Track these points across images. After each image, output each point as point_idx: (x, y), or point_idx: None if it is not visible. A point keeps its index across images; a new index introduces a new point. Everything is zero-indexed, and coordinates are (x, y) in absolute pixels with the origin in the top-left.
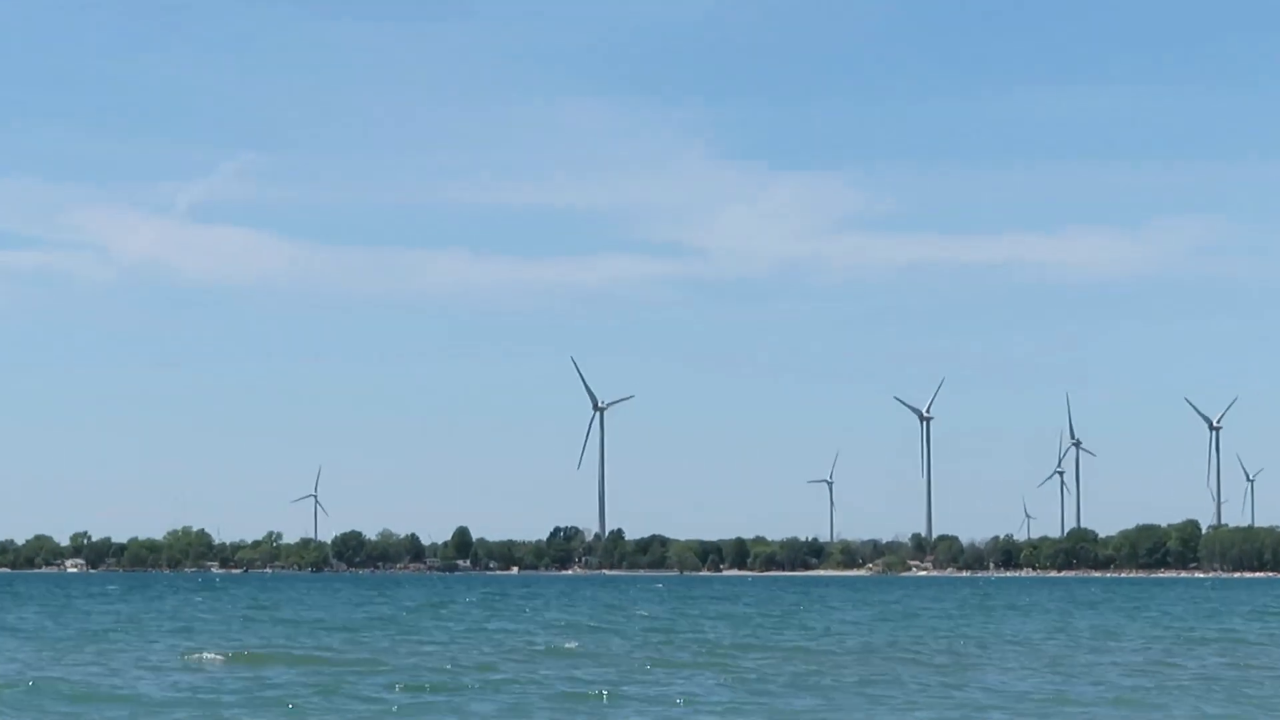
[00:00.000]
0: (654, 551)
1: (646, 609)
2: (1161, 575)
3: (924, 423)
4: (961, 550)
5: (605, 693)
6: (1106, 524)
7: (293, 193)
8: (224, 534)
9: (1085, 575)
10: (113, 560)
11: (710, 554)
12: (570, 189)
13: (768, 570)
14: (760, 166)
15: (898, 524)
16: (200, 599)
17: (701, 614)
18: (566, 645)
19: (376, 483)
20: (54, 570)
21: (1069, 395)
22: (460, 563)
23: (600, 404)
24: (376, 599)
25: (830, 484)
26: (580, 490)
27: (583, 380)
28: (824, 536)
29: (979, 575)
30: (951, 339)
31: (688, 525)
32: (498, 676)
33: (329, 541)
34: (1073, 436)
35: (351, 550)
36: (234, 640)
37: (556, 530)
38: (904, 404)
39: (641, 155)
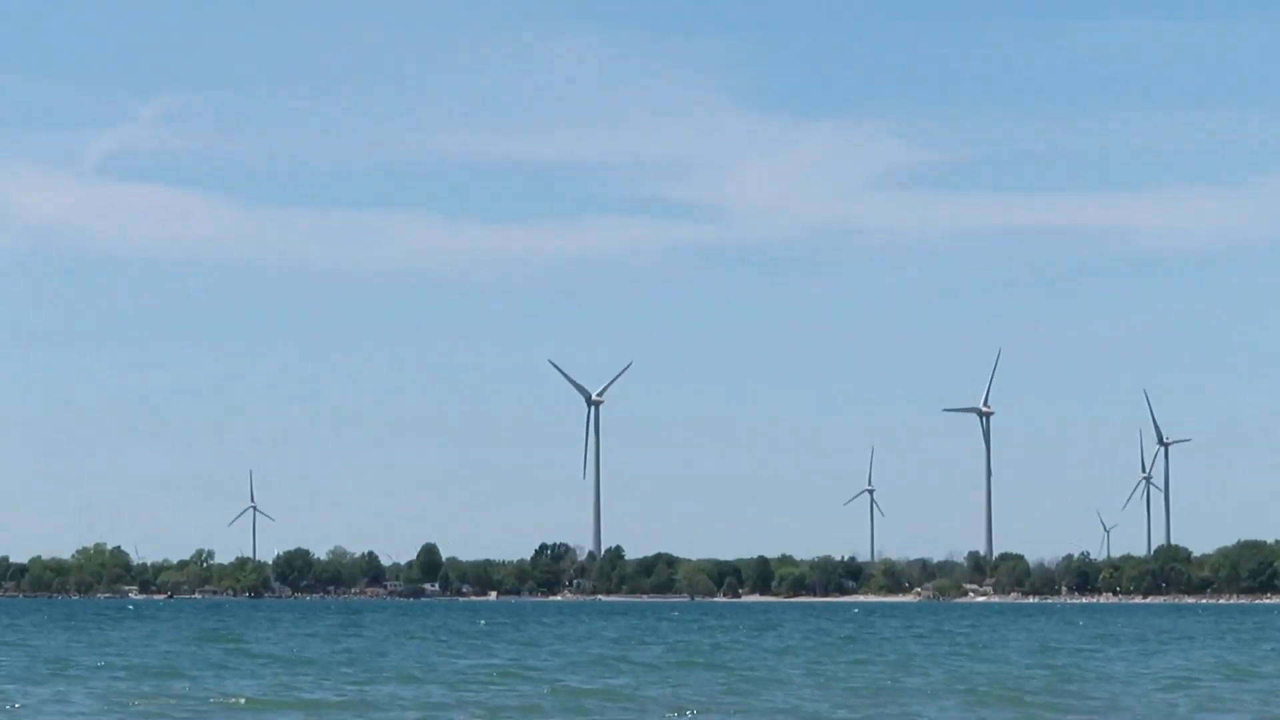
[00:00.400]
0: (659, 573)
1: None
2: (1269, 601)
3: (982, 419)
4: (1028, 572)
5: None
6: (1202, 540)
7: (225, 144)
8: (144, 553)
9: (1177, 601)
10: (10, 584)
11: (727, 576)
12: (562, 140)
13: (795, 595)
14: (787, 113)
15: (951, 540)
16: (138, 628)
17: (779, 644)
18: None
19: (327, 491)
20: None
21: (1156, 387)
22: (427, 586)
23: (594, 396)
24: (340, 631)
25: (871, 493)
26: (571, 501)
27: (568, 379)
28: (863, 555)
29: (1049, 601)
30: (1014, 319)
31: (699, 543)
32: None
33: (270, 561)
34: (1160, 436)
35: (297, 572)
36: (236, 683)
37: (543, 548)
38: (956, 410)
39: (647, 100)
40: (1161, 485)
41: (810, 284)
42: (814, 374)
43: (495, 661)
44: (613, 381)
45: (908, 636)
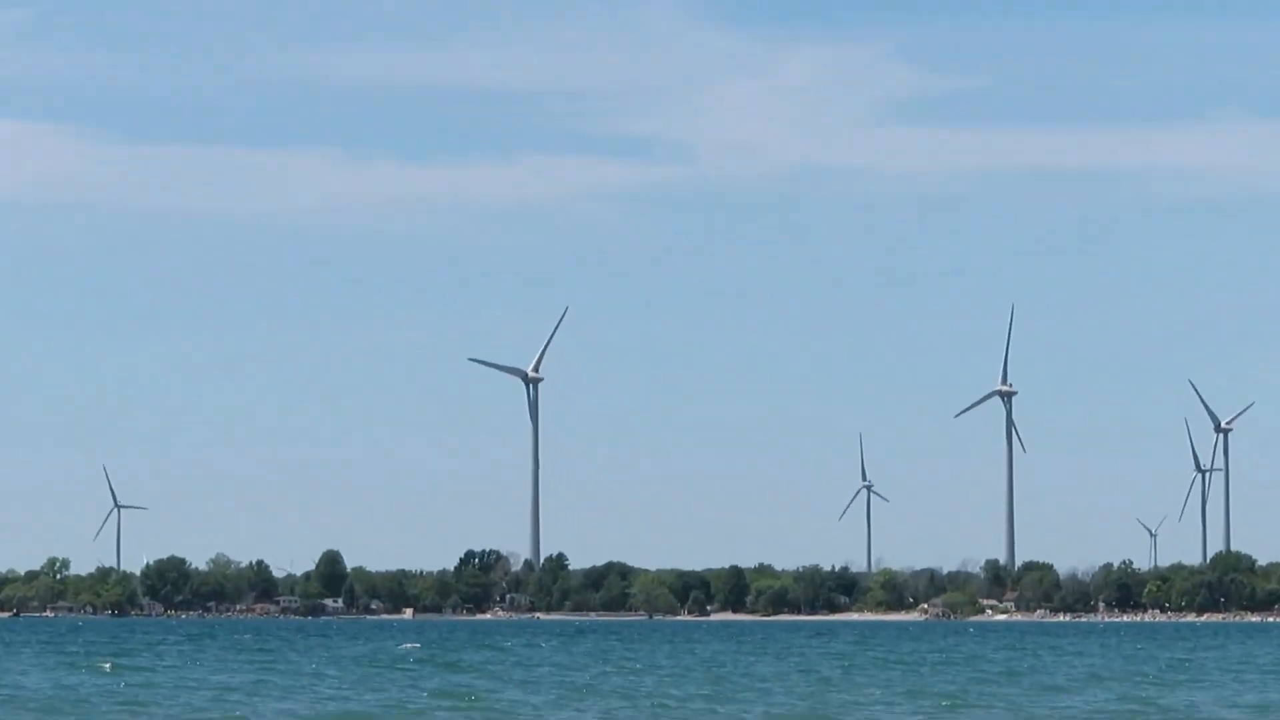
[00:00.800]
0: (611, 586)
1: None
2: None
3: (1003, 402)
4: (1057, 584)
5: None
6: (1267, 547)
7: (88, 69)
8: None
9: (1238, 619)
10: None
11: (693, 590)
12: (490, 62)
13: (776, 613)
14: (766, 32)
15: (964, 548)
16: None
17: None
18: None
19: (206, 489)
20: None
21: (1210, 362)
22: (329, 602)
23: (530, 371)
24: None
25: (868, 488)
26: (504, 499)
27: (496, 368)
28: (858, 565)
29: (1083, 619)
30: (1037, 280)
31: (659, 551)
32: None
33: (137, 573)
34: (1216, 420)
35: (170, 585)
36: None
37: (469, 557)
38: (971, 406)
39: (595, 14)
40: (1220, 480)
41: (794, 238)
42: (799, 346)
43: None
44: (548, 343)
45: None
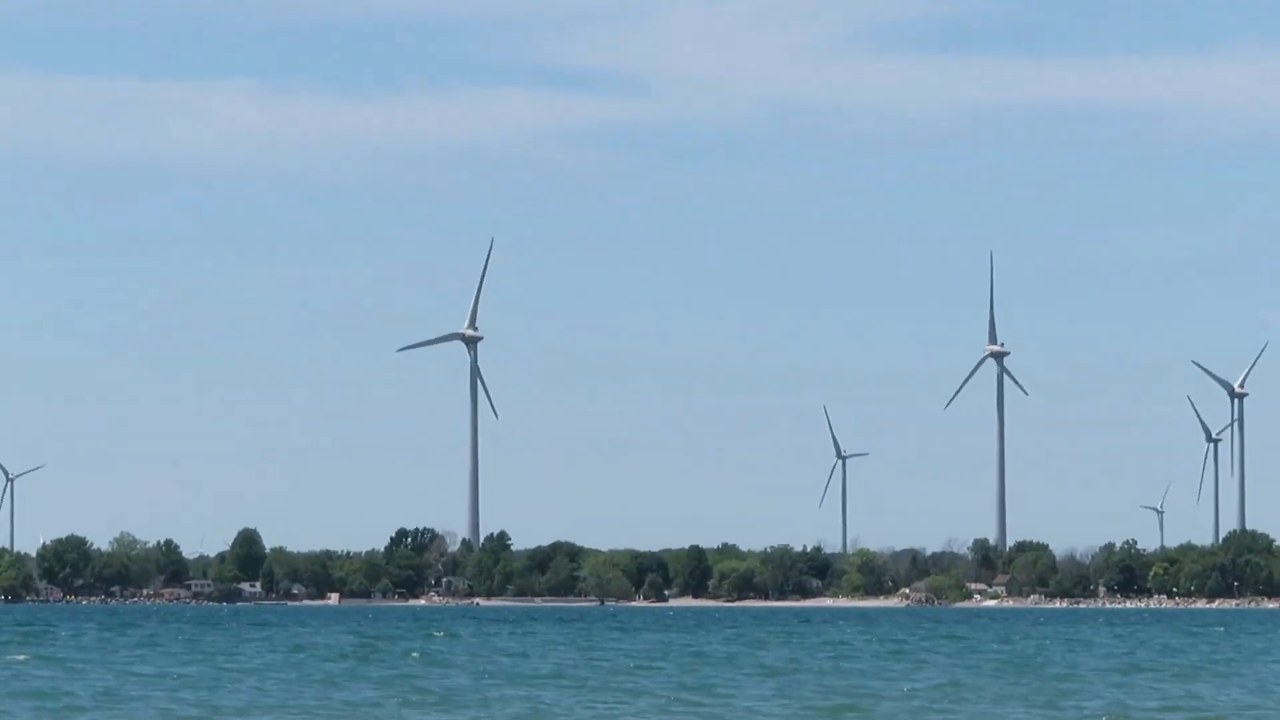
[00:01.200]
0: (558, 569)
1: None
2: None
3: (995, 363)
4: (1053, 567)
5: None
6: None
7: None
8: None
9: (1254, 605)
10: None
11: (649, 573)
12: None
13: (742, 599)
14: None
15: (950, 526)
16: None
17: None
18: None
19: (110, 462)
20: None
21: (1219, 318)
22: (245, 586)
23: (466, 330)
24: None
25: (843, 460)
26: (439, 473)
27: (429, 344)
28: (832, 545)
29: (1082, 605)
30: (1031, 227)
31: (611, 529)
32: None
33: (34, 554)
34: (1233, 387)
35: (70, 568)
36: None
37: (401, 536)
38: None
39: None
40: (1235, 452)
41: (763, 180)
42: (765, 302)
43: None
44: (479, 290)
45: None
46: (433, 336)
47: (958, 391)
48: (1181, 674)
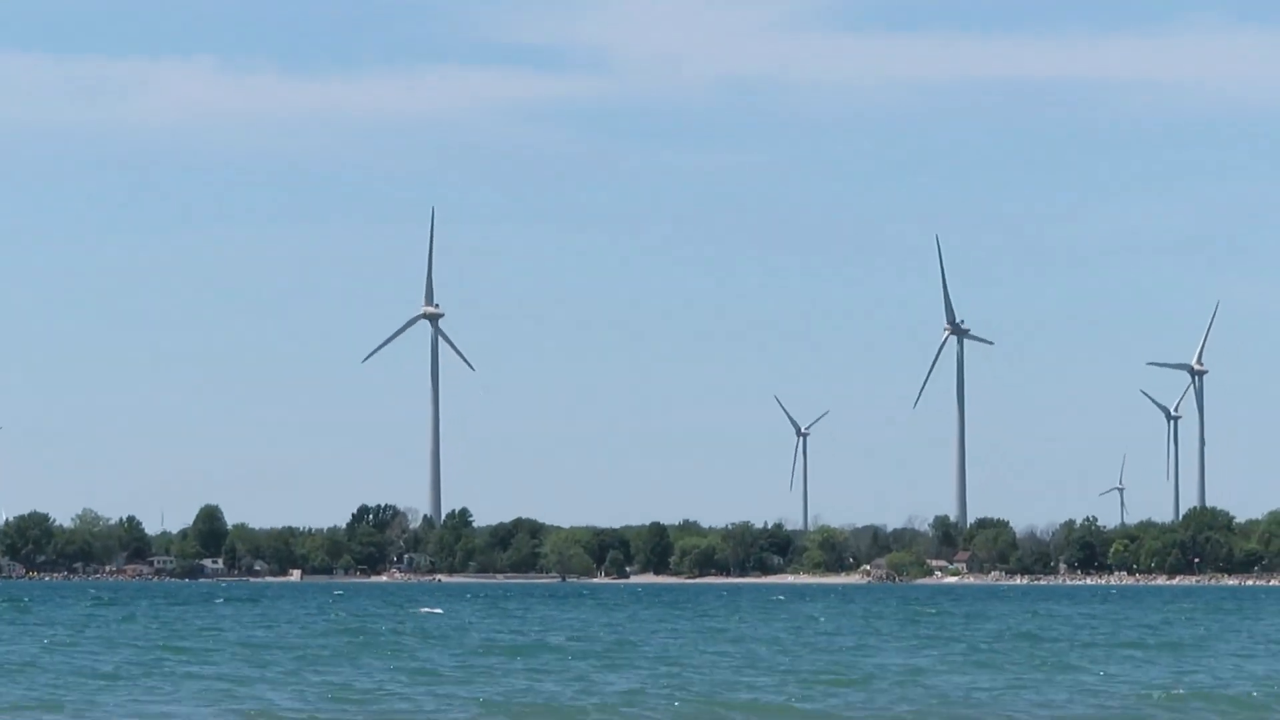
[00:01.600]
0: (520, 545)
1: None
2: None
3: (954, 339)
4: (1014, 544)
5: None
6: (1247, 502)
7: None
8: None
9: (1214, 581)
10: None
11: (610, 549)
12: None
13: (703, 575)
14: None
15: (911, 504)
16: None
17: None
18: None
19: (72, 438)
20: None
21: (1177, 293)
22: (208, 563)
23: (426, 308)
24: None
25: (803, 436)
26: (401, 450)
27: (392, 340)
28: (793, 522)
29: (1042, 582)
30: (988, 200)
31: (572, 507)
32: None
33: None
34: (1195, 363)
35: (32, 544)
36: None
37: (362, 512)
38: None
39: None
40: (1194, 428)
41: (721, 157)
42: (725, 278)
43: None
44: (430, 262)
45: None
46: (392, 331)
47: (924, 385)
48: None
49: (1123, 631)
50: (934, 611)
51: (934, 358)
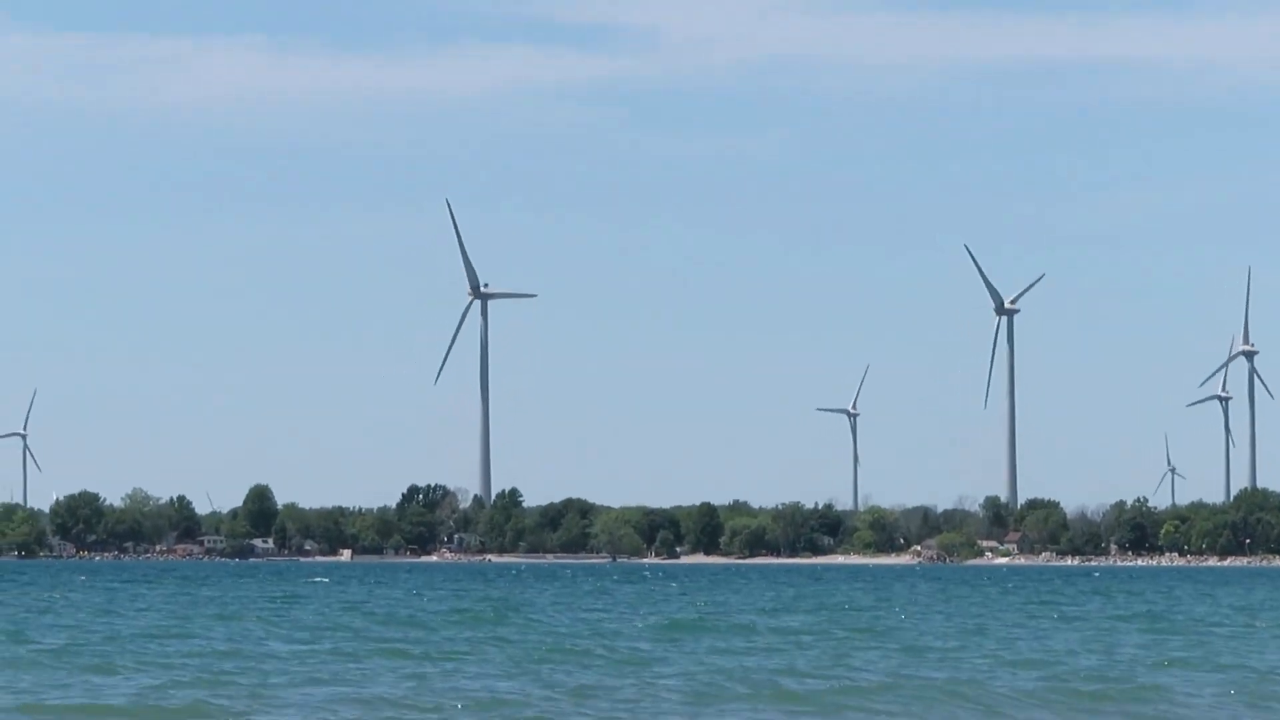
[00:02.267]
0: (570, 525)
1: None
2: None
3: (1003, 319)
4: (1064, 525)
5: None
6: None
7: None
8: None
9: (1266, 563)
10: None
11: (660, 529)
12: None
13: (753, 555)
14: None
15: (961, 484)
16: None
17: None
18: None
19: (122, 418)
20: None
21: (1245, 273)
22: (258, 543)
23: (481, 286)
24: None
25: (853, 416)
26: (451, 429)
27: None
28: (843, 502)
29: (1093, 562)
30: (1044, 184)
31: (622, 486)
32: None
33: (46, 510)
34: (1244, 341)
35: (83, 524)
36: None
37: (412, 492)
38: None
39: None
40: (1244, 406)
41: (766, 138)
42: (775, 258)
43: None
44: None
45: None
46: (444, 322)
47: (990, 377)
48: None
49: None
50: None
51: (992, 342)
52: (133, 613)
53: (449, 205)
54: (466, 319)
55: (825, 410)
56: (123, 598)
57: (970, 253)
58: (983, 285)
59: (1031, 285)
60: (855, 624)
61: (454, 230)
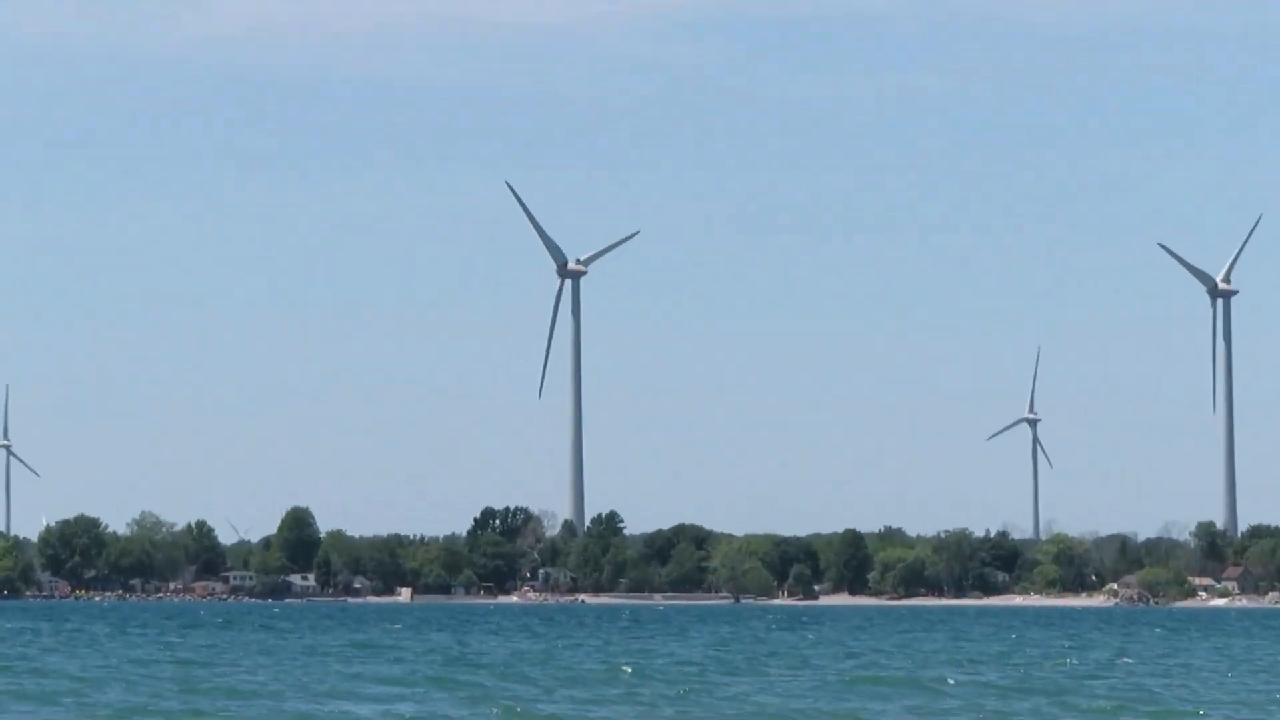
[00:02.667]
0: (683, 558)
1: None
2: None
3: (1217, 302)
4: None
5: None
6: None
7: None
8: None
9: None
10: None
11: (794, 563)
12: None
13: (910, 595)
14: None
15: (1167, 507)
16: None
17: None
18: None
19: (126, 426)
20: None
21: None
22: (296, 579)
23: (572, 262)
24: None
25: (1033, 424)
26: (535, 441)
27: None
28: (1021, 530)
29: None
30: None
31: (745, 510)
32: None
33: (35, 539)
34: None
35: (79, 556)
36: None
37: (487, 517)
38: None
39: None
40: None
41: (917, 76)
42: (922, 227)
43: None
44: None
45: None
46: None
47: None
48: None
49: None
50: None
51: (1210, 327)
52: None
53: (511, 188)
54: (560, 306)
55: (997, 434)
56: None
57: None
58: (1185, 269)
59: (1244, 245)
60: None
61: (523, 211)
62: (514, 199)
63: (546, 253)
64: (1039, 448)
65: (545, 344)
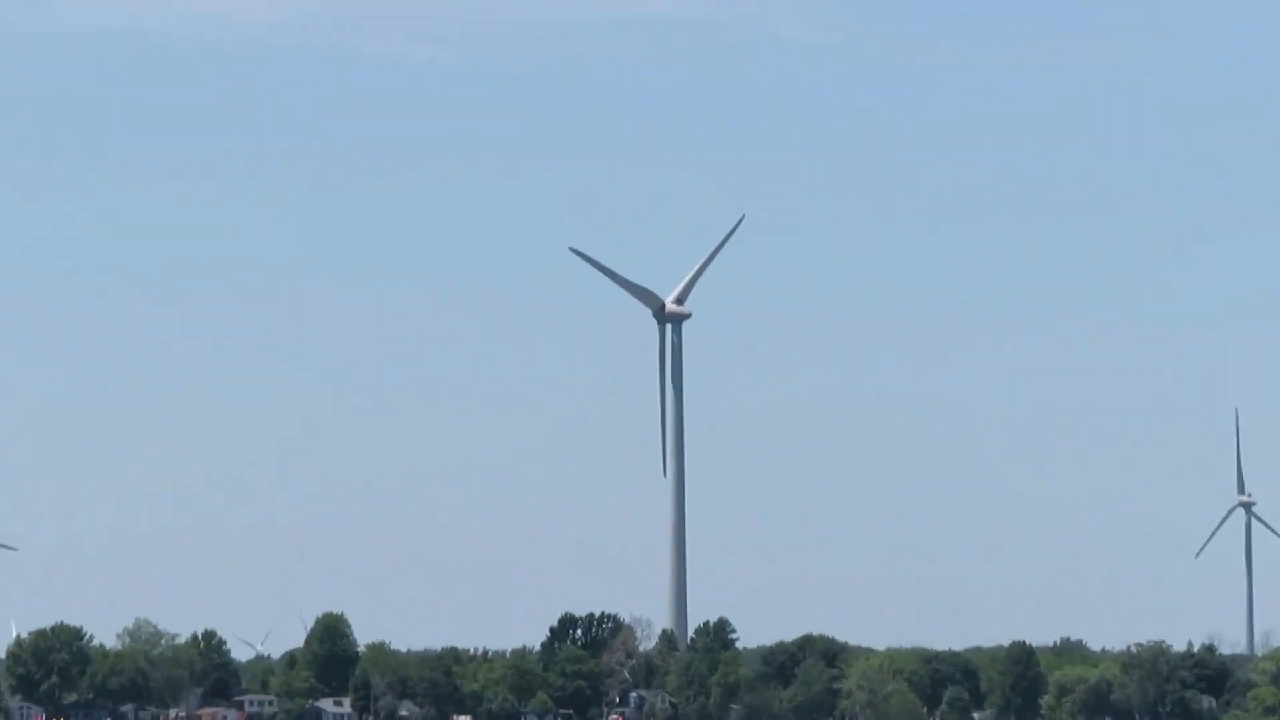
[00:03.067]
0: (809, 677)
1: None
2: None
3: None
4: None
5: None
6: None
7: None
8: None
9: None
10: None
11: (947, 684)
12: None
13: None
14: None
15: None
16: None
17: None
18: None
19: (119, 515)
20: None
21: None
22: (328, 705)
23: (668, 303)
24: None
25: (1248, 507)
26: (627, 536)
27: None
28: (1231, 644)
29: None
30: None
31: (881, 620)
32: None
33: (2, 654)
34: None
35: (58, 674)
36: None
37: (566, 625)
38: None
39: None
40: None
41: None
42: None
43: None
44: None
45: None
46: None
47: None
48: None
49: None
50: None
51: None
52: None
53: (578, 253)
54: (667, 353)
55: (1210, 537)
56: None
57: None
58: None
59: None
60: None
61: (598, 270)
62: (584, 260)
63: (633, 299)
64: (1249, 538)
65: (659, 407)
